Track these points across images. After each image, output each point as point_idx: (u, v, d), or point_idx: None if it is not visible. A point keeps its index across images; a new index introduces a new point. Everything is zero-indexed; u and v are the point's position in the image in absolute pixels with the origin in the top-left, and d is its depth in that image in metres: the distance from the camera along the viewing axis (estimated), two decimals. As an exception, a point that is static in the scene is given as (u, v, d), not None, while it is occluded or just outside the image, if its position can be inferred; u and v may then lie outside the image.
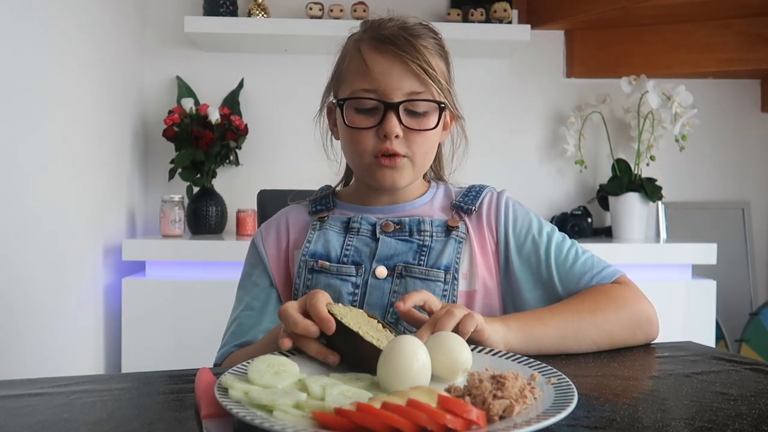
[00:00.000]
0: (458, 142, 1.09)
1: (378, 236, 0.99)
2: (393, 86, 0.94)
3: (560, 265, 0.98)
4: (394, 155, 0.95)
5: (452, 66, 1.03)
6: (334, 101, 1.03)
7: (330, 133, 1.07)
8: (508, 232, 1.01)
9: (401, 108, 0.94)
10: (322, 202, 1.07)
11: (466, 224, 1.01)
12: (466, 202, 1.03)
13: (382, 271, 0.96)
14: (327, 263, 0.98)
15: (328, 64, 1.06)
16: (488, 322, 0.81)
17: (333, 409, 0.54)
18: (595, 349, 0.88)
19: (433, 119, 0.97)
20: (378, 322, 0.77)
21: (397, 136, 0.94)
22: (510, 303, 1.01)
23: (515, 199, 1.06)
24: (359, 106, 0.96)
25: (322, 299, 0.73)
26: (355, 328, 0.70)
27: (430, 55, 0.96)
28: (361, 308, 0.92)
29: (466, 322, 0.77)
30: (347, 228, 1.01)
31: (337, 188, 1.12)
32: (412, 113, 0.96)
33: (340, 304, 0.76)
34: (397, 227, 1.00)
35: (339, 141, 1.04)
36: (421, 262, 0.97)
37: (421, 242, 0.98)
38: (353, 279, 0.97)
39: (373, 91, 0.95)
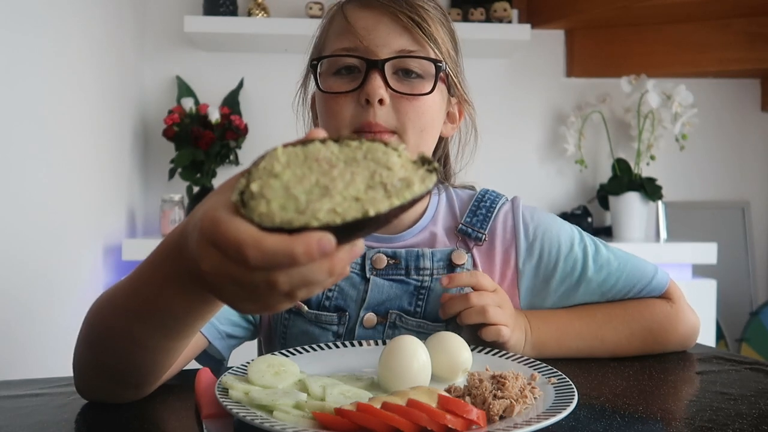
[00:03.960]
0: (467, 137, 0.93)
1: (368, 275, 0.82)
2: (379, 42, 0.77)
3: (601, 284, 0.85)
4: (379, 132, 0.78)
5: (459, 44, 0.87)
6: (314, 71, 0.83)
7: (312, 119, 0.93)
8: (533, 257, 0.86)
9: (389, 67, 0.77)
10: None
11: (473, 257, 0.85)
12: (474, 226, 0.86)
13: (371, 319, 0.81)
14: (305, 307, 0.82)
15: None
16: (513, 330, 0.79)
17: (333, 409, 0.54)
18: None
19: (429, 84, 0.79)
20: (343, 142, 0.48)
21: (381, 101, 0.77)
22: None
23: (529, 206, 0.90)
24: (338, 66, 0.79)
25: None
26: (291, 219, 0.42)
27: (429, 17, 0.80)
28: None
29: (487, 332, 0.76)
30: None
31: None
32: (402, 76, 0.79)
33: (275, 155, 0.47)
34: (392, 262, 0.82)
35: None
36: (418, 310, 0.82)
37: (419, 283, 0.82)
38: (334, 328, 0.82)
39: (354, 50, 0.78)
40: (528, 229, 0.87)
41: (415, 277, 0.82)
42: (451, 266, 0.83)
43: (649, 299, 0.87)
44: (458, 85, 0.86)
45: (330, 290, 0.82)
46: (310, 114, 0.92)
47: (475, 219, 0.87)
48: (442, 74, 0.81)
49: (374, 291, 0.82)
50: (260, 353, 0.98)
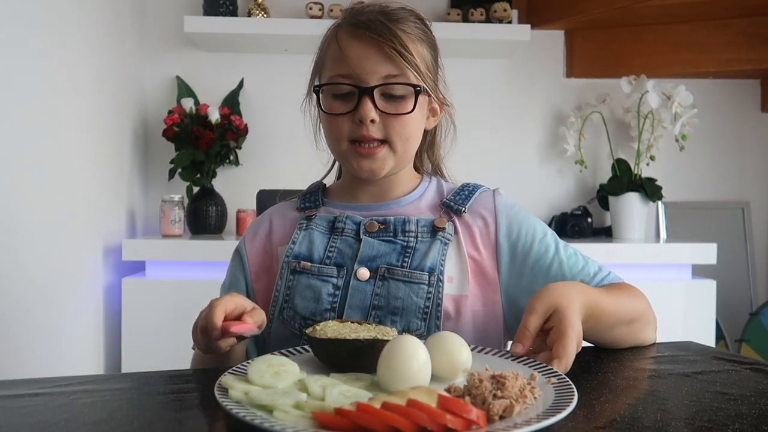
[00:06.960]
0: (447, 130, 1.07)
1: (361, 237, 0.96)
2: (368, 71, 0.92)
3: (572, 267, 0.96)
4: (370, 144, 0.94)
5: (440, 53, 1.01)
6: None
7: (319, 122, 1.04)
8: (512, 235, 0.97)
9: (377, 92, 0.92)
10: (310, 199, 1.04)
11: (454, 225, 0.97)
12: (456, 202, 0.99)
13: (363, 273, 0.93)
14: (308, 264, 0.95)
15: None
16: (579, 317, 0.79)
17: (333, 409, 0.54)
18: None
19: (410, 103, 0.94)
20: (374, 325, 0.77)
21: (372, 121, 0.92)
22: (516, 306, 0.95)
23: (509, 197, 1.02)
24: (336, 91, 0.94)
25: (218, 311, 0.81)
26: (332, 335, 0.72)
27: (410, 40, 0.93)
28: (342, 312, 0.92)
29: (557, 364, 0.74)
30: (332, 228, 0.98)
31: (325, 181, 1.09)
32: (388, 97, 0.93)
33: (330, 321, 0.78)
34: (382, 227, 0.96)
35: None
36: (404, 264, 0.93)
37: (405, 243, 0.95)
38: (334, 280, 0.94)
39: (348, 77, 0.93)
40: (509, 212, 0.99)
41: (401, 238, 0.96)
42: (433, 230, 0.96)
43: (623, 283, 0.97)
44: (437, 90, 0.99)
45: (330, 249, 0.96)
46: (316, 110, 1.03)
47: (458, 197, 1.00)
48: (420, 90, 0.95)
49: (366, 248, 0.95)
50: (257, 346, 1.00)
